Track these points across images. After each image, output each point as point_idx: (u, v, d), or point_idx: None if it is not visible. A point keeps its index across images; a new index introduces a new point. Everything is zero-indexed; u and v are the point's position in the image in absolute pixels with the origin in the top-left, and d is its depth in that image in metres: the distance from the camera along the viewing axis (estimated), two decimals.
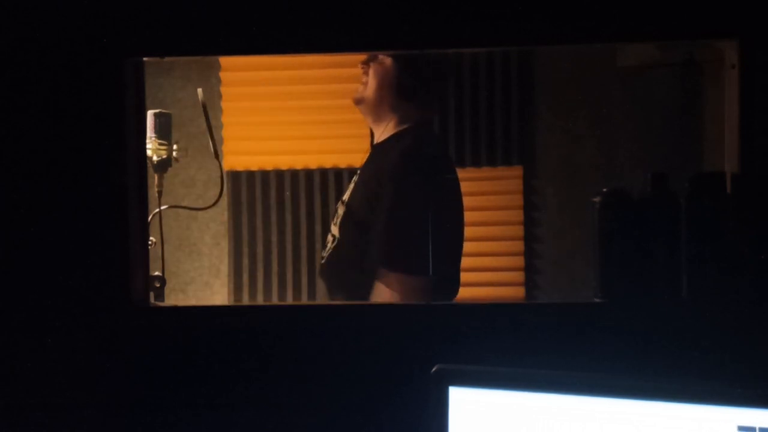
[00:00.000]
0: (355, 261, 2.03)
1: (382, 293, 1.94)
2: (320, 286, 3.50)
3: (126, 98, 1.43)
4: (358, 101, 2.12)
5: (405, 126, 2.09)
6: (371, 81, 2.08)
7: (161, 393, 1.45)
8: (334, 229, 2.11)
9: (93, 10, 1.42)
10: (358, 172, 2.17)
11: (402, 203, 1.97)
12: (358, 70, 2.13)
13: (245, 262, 3.53)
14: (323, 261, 2.13)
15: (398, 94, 2.07)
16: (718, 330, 1.35)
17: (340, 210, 2.12)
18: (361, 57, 2.13)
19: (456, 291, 2.12)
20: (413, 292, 1.92)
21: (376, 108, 2.10)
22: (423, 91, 2.11)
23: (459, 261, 2.14)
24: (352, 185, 2.13)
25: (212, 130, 2.10)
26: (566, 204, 3.41)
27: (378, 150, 2.13)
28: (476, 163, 3.44)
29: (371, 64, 2.08)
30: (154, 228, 2.02)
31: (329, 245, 2.11)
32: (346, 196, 2.13)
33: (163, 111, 2.14)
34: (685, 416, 1.00)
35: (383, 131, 2.11)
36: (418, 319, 1.44)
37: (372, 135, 2.21)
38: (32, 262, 1.45)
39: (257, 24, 1.41)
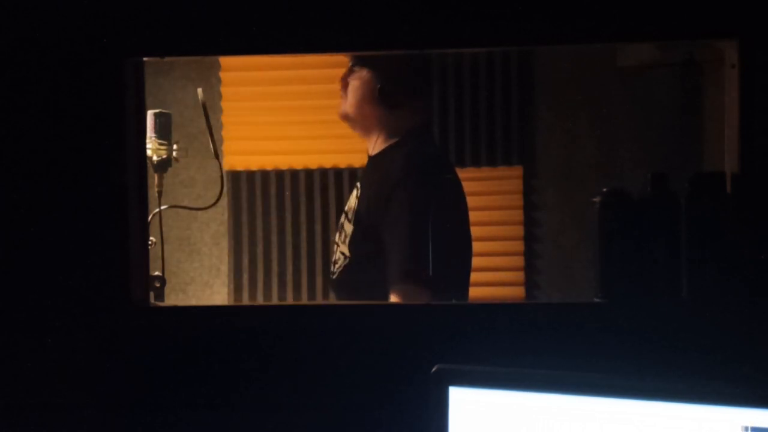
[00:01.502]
0: (370, 278, 2.00)
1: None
2: (320, 286, 3.51)
3: (126, 98, 1.43)
4: (344, 117, 2.08)
5: (398, 137, 2.04)
6: (351, 95, 2.04)
7: (161, 393, 1.45)
8: (344, 248, 2.06)
9: (93, 10, 1.42)
10: (358, 185, 2.13)
11: (415, 216, 1.94)
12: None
13: (245, 262, 3.54)
14: (334, 277, 2.09)
15: (382, 104, 2.02)
16: (718, 330, 1.35)
17: (348, 228, 2.07)
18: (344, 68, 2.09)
19: (466, 291, 2.11)
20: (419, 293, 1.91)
21: (363, 121, 2.06)
22: (409, 98, 2.07)
23: (469, 263, 2.12)
24: (354, 201, 2.08)
25: (212, 130, 2.10)
26: (566, 204, 3.41)
27: (375, 162, 2.08)
28: (476, 163, 3.44)
29: (349, 80, 2.04)
30: (154, 228, 2.02)
31: (340, 263, 2.07)
32: (350, 212, 2.09)
33: (163, 111, 2.14)
34: (685, 416, 1.00)
35: (375, 143, 2.06)
36: (418, 319, 1.44)
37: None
38: (32, 262, 1.45)
39: (257, 24, 1.41)
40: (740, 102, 1.36)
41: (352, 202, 2.10)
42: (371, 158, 2.10)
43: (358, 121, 2.07)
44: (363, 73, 2.02)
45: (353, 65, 2.04)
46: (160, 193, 2.15)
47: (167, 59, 1.49)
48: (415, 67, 2.13)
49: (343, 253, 2.06)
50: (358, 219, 2.03)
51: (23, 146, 1.44)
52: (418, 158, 2.02)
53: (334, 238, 2.16)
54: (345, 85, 2.06)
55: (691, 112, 3.18)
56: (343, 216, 2.12)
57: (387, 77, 2.01)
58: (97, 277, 1.43)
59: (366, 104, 2.03)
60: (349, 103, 2.05)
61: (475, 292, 3.26)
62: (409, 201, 1.93)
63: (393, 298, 1.91)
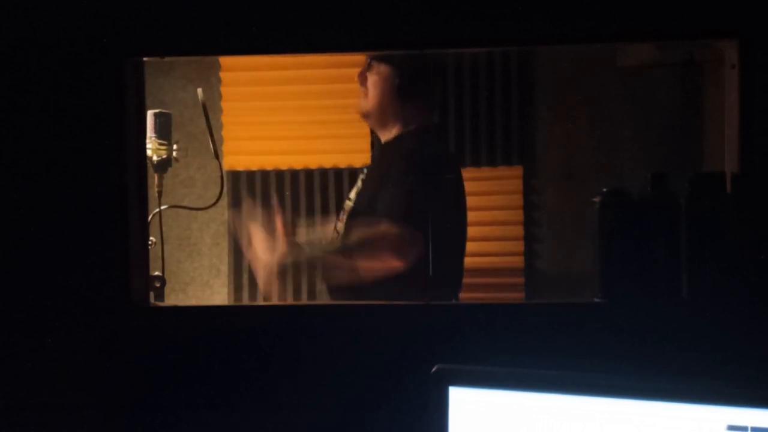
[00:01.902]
0: None
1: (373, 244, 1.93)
2: (320, 286, 3.51)
3: (126, 98, 1.43)
4: (365, 115, 2.11)
5: (410, 128, 2.08)
6: (372, 91, 2.07)
7: (161, 393, 1.45)
8: (339, 225, 2.11)
9: (93, 10, 1.42)
10: (365, 170, 2.17)
11: (409, 201, 1.96)
12: (358, 70, 2.12)
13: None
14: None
15: (400, 97, 2.06)
16: (718, 330, 1.35)
17: (347, 205, 2.12)
18: (359, 59, 2.12)
19: (459, 288, 2.12)
20: (407, 242, 1.91)
21: (383, 116, 2.10)
22: (424, 89, 2.11)
23: (462, 259, 2.14)
24: (359, 183, 2.14)
25: (212, 130, 2.10)
26: (566, 204, 3.41)
27: (384, 151, 2.13)
28: (476, 163, 3.44)
29: (368, 75, 2.07)
30: (154, 228, 2.02)
31: (332, 239, 2.11)
32: (353, 195, 2.13)
33: (163, 111, 2.14)
34: (685, 416, 1.00)
35: (389, 134, 2.11)
36: (417, 319, 1.44)
37: (372, 134, 2.20)
38: (32, 262, 1.45)
39: (257, 24, 1.41)
40: (740, 102, 1.37)
41: (358, 184, 2.15)
42: (382, 146, 2.14)
43: (378, 117, 2.10)
44: (381, 68, 2.05)
45: (371, 61, 2.07)
46: (160, 193, 2.15)
47: (167, 59, 1.49)
48: (429, 61, 2.16)
49: (337, 231, 2.09)
50: (359, 199, 2.06)
51: (23, 146, 1.44)
52: (424, 151, 2.05)
53: (335, 225, 2.18)
54: (363, 80, 2.08)
55: (691, 112, 3.18)
56: (347, 200, 2.16)
57: (405, 71, 2.03)
58: (97, 277, 1.43)
59: (386, 98, 2.07)
60: (371, 99, 2.08)
61: (475, 292, 3.28)
62: (410, 185, 1.96)
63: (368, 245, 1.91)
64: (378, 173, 2.09)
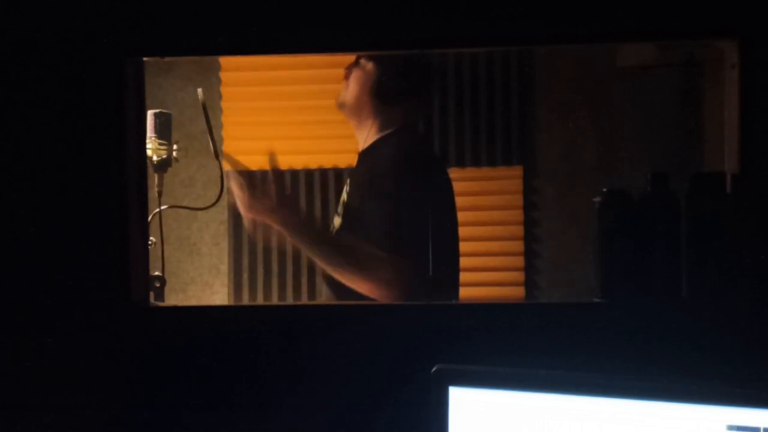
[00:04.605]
0: None
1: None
2: (320, 286, 3.51)
3: (126, 98, 1.43)
4: (341, 105, 2.11)
5: (388, 131, 2.07)
6: (352, 85, 2.07)
7: (161, 393, 1.45)
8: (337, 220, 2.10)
9: (93, 10, 1.42)
10: (347, 181, 2.16)
11: (399, 203, 1.95)
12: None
13: (245, 262, 3.54)
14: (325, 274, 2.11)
15: (379, 98, 2.05)
16: (718, 330, 1.35)
17: (336, 221, 2.10)
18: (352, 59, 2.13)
19: (456, 289, 2.12)
20: (402, 273, 1.89)
21: (358, 112, 2.09)
22: (406, 95, 2.10)
23: (458, 258, 2.13)
24: (344, 195, 2.12)
25: (212, 130, 2.10)
26: (566, 204, 3.41)
27: (363, 158, 2.11)
28: (476, 163, 3.44)
29: (353, 69, 2.08)
30: (154, 228, 2.02)
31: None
32: (340, 206, 2.12)
33: (163, 111, 2.14)
34: (685, 416, 1.00)
35: (366, 137, 2.09)
36: (418, 319, 1.44)
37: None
38: (32, 262, 1.45)
39: (257, 24, 1.41)
40: (740, 102, 1.37)
41: (343, 197, 2.12)
42: (361, 153, 2.12)
43: (354, 111, 2.10)
44: (368, 66, 2.05)
45: (360, 57, 2.07)
46: (160, 193, 2.16)
47: (167, 59, 1.49)
48: (415, 66, 2.14)
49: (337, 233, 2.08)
50: (346, 212, 2.05)
51: (23, 146, 1.44)
52: (407, 151, 2.04)
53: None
54: (348, 74, 2.09)
55: (691, 112, 3.19)
56: (335, 214, 2.15)
57: (387, 72, 2.03)
58: (97, 277, 1.43)
59: (364, 95, 2.06)
60: (349, 91, 2.08)
61: (475, 292, 3.28)
62: (394, 189, 1.94)
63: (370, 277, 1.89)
64: (360, 183, 2.04)
